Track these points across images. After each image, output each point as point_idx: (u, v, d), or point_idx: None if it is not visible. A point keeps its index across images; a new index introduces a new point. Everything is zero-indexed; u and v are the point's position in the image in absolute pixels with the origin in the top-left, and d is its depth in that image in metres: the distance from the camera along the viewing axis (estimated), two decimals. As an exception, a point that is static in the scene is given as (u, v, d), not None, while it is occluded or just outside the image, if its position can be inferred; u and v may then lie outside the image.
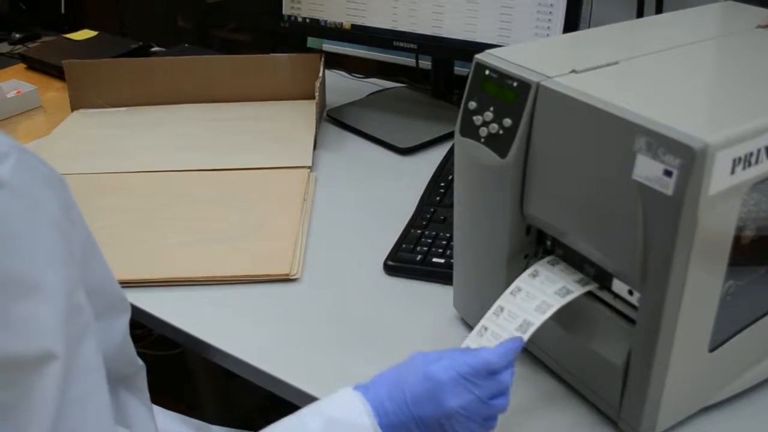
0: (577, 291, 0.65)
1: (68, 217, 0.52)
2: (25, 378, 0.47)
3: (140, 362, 0.69)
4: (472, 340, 0.65)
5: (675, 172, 0.52)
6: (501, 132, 0.65)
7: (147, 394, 0.70)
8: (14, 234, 0.46)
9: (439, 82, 1.38)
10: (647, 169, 0.53)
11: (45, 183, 0.50)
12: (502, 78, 0.65)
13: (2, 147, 0.46)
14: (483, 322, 0.66)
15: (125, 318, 0.65)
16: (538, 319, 0.63)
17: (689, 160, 0.51)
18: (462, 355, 0.59)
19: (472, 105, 0.68)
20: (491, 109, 0.66)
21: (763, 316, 0.67)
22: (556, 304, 0.64)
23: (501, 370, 0.59)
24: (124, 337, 0.65)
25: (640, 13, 1.19)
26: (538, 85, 0.62)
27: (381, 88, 1.46)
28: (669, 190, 0.52)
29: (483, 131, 0.67)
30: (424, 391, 0.58)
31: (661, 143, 0.52)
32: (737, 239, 0.58)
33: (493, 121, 0.66)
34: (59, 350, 0.48)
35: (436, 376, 0.58)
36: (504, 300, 0.66)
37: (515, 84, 0.64)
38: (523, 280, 0.67)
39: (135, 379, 0.68)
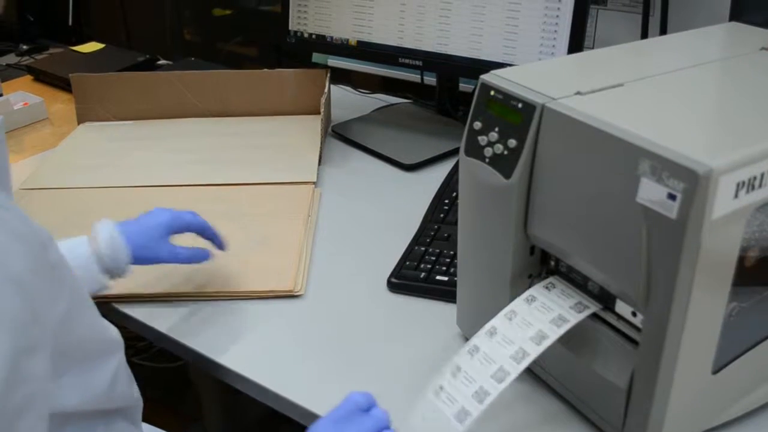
0: (574, 320, 0.65)
1: (43, 275, 0.50)
2: None
3: (137, 395, 0.69)
4: (463, 360, 0.65)
5: (679, 195, 0.52)
6: (506, 153, 0.65)
7: (141, 428, 0.71)
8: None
9: (443, 98, 1.39)
10: (651, 193, 0.54)
11: (15, 239, 0.47)
12: (507, 99, 0.65)
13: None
14: (475, 341, 0.65)
15: (115, 358, 0.64)
16: (534, 350, 0.63)
17: (693, 184, 0.51)
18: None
19: (477, 125, 0.68)
20: (496, 129, 0.66)
21: (766, 338, 0.67)
22: (552, 335, 0.63)
23: (371, 407, 0.64)
24: (114, 376, 0.63)
25: (644, 33, 1.20)
26: (543, 106, 0.62)
27: (386, 104, 1.47)
28: (673, 214, 0.52)
29: (488, 151, 0.67)
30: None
31: (665, 167, 0.52)
32: (741, 261, 0.58)
33: (498, 141, 0.66)
34: None
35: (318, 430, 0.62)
36: (499, 321, 0.66)
37: (520, 105, 0.64)
38: (518, 305, 0.67)
39: (133, 411, 0.68)
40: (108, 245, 0.79)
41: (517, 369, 0.62)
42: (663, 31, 1.18)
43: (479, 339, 0.65)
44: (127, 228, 0.82)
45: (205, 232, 0.89)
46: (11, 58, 1.81)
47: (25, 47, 1.83)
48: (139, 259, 0.83)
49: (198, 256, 0.87)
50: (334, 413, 0.63)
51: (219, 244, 0.90)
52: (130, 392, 0.68)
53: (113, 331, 0.65)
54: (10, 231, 0.48)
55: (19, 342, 0.46)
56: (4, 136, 0.57)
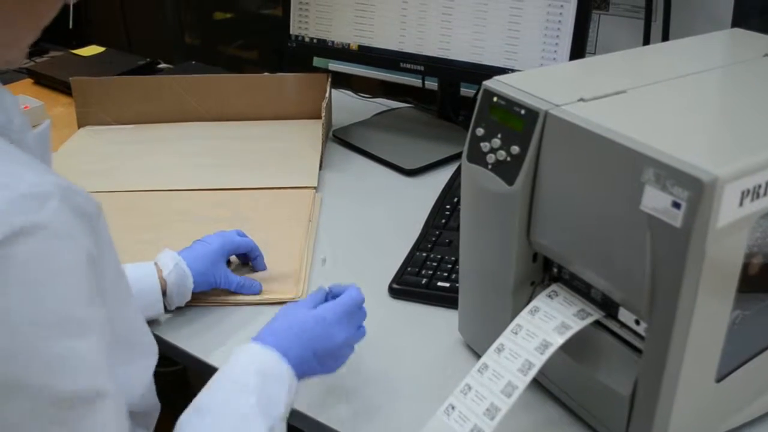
0: (576, 326, 0.64)
1: (101, 253, 0.52)
2: (75, 416, 0.47)
3: (156, 401, 0.69)
4: (473, 378, 0.64)
5: (683, 204, 0.51)
6: (508, 159, 0.65)
7: None
8: (58, 274, 0.46)
9: (445, 102, 1.39)
10: (655, 201, 0.53)
11: (84, 221, 0.49)
12: (510, 105, 0.65)
13: (47, 186, 0.46)
14: (484, 359, 0.65)
15: (154, 360, 0.65)
16: (539, 360, 0.62)
17: (698, 192, 0.50)
18: (336, 298, 0.73)
19: (480, 131, 0.68)
20: (499, 136, 0.66)
21: (770, 346, 0.66)
22: (555, 343, 0.63)
23: (362, 302, 0.74)
24: (151, 379, 0.64)
25: (646, 39, 1.19)
26: (546, 113, 0.62)
27: (387, 108, 1.47)
28: (677, 222, 0.52)
29: (490, 158, 0.67)
30: (319, 331, 0.69)
31: (669, 175, 0.52)
32: (745, 268, 0.58)
33: (500, 148, 0.66)
34: (110, 388, 0.49)
35: (326, 318, 0.70)
36: (505, 338, 0.66)
37: (523, 112, 0.64)
38: (523, 318, 0.67)
39: (151, 419, 0.68)
40: (175, 276, 0.83)
41: (524, 381, 0.62)
42: (665, 36, 1.18)
43: (488, 357, 0.65)
44: (185, 256, 0.85)
45: (252, 252, 0.93)
46: (12, 62, 1.80)
47: (25, 50, 1.83)
48: (198, 286, 0.85)
49: (248, 288, 0.89)
50: (342, 305, 0.71)
51: (262, 266, 0.93)
52: (155, 398, 0.68)
53: (151, 335, 0.66)
54: (82, 214, 0.48)
55: (104, 313, 0.50)
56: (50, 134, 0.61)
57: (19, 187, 0.44)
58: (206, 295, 0.88)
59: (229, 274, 0.88)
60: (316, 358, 0.68)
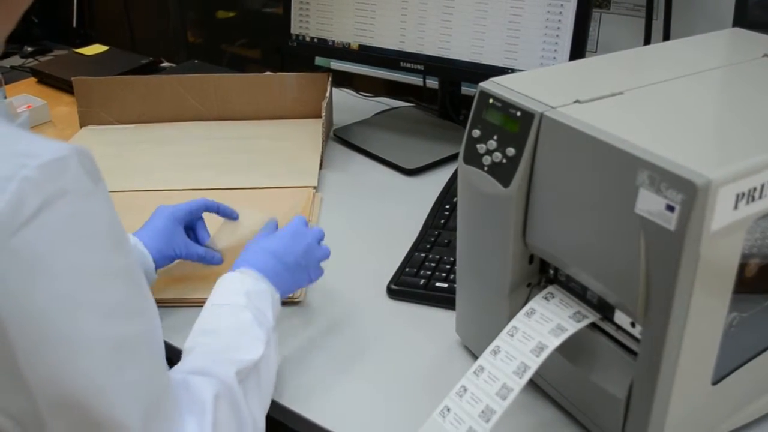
0: (572, 329, 0.64)
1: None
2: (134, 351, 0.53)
3: None
4: (468, 380, 0.64)
5: (677, 207, 0.51)
6: (504, 161, 0.65)
7: None
8: (93, 227, 0.49)
9: (445, 102, 1.38)
10: (649, 204, 0.53)
11: (98, 181, 0.51)
12: (506, 107, 0.65)
13: (65, 151, 0.48)
14: (480, 362, 0.65)
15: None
16: (534, 362, 0.62)
17: (691, 195, 0.50)
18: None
19: (476, 133, 0.68)
20: (495, 137, 0.66)
21: (767, 348, 0.66)
22: (551, 345, 0.63)
23: (306, 223, 0.84)
24: None
25: (647, 37, 1.19)
26: (541, 115, 0.62)
27: (388, 107, 1.47)
28: (671, 225, 0.52)
29: (486, 159, 0.67)
30: (282, 248, 0.79)
31: (663, 178, 0.52)
32: (742, 270, 0.57)
33: (496, 149, 0.66)
34: (157, 324, 0.56)
35: (283, 236, 0.81)
36: (501, 340, 0.66)
37: (519, 113, 0.64)
38: (519, 320, 0.67)
39: None
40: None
41: (519, 384, 0.62)
42: (666, 35, 1.17)
43: (484, 359, 0.65)
44: (140, 236, 0.85)
45: (210, 208, 0.93)
46: (15, 60, 1.81)
47: (29, 49, 1.83)
48: (160, 263, 0.85)
49: (209, 259, 0.90)
50: (290, 226, 0.83)
51: (231, 213, 0.94)
52: None
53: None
54: (98, 171, 0.51)
55: None
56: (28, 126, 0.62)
57: (42, 156, 0.46)
58: (205, 295, 0.88)
59: (190, 245, 0.88)
60: (287, 271, 0.78)
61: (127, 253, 0.53)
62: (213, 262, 0.90)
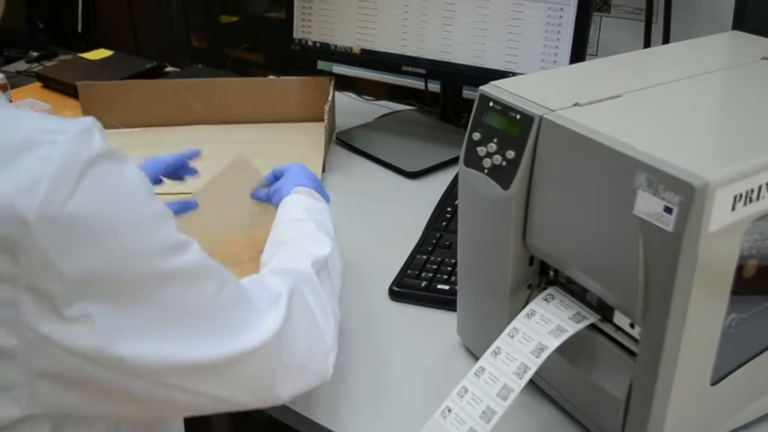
0: (572, 330, 0.65)
1: None
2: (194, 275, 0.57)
3: None
4: (469, 381, 0.65)
5: (675, 209, 0.52)
6: (504, 164, 0.66)
7: None
8: (130, 182, 0.53)
9: (447, 105, 1.39)
10: (648, 205, 0.54)
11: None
12: (505, 110, 0.66)
13: (87, 122, 0.50)
14: (480, 363, 0.66)
15: None
16: (534, 363, 0.63)
17: (689, 197, 0.51)
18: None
19: (476, 136, 0.68)
20: (495, 140, 0.66)
21: (766, 349, 0.66)
22: (551, 346, 0.64)
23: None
24: None
25: (647, 40, 1.19)
26: (541, 118, 0.62)
27: (390, 111, 1.47)
28: (669, 227, 0.52)
29: (486, 162, 0.67)
30: (304, 170, 0.93)
31: (661, 180, 0.52)
32: (741, 270, 0.58)
33: (496, 152, 0.66)
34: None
35: (297, 167, 0.95)
36: (502, 341, 0.66)
37: (519, 116, 0.64)
38: (519, 322, 0.67)
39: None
40: None
41: (519, 384, 0.62)
42: (666, 38, 1.18)
43: (484, 360, 0.66)
44: None
45: (169, 168, 0.97)
46: (21, 65, 1.82)
47: (34, 54, 1.84)
48: None
49: (185, 207, 0.95)
50: (293, 166, 0.95)
51: (191, 171, 1.01)
52: None
53: None
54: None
55: None
56: None
57: (71, 129, 0.49)
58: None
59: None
60: (320, 188, 0.91)
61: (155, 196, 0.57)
62: (190, 207, 0.95)
